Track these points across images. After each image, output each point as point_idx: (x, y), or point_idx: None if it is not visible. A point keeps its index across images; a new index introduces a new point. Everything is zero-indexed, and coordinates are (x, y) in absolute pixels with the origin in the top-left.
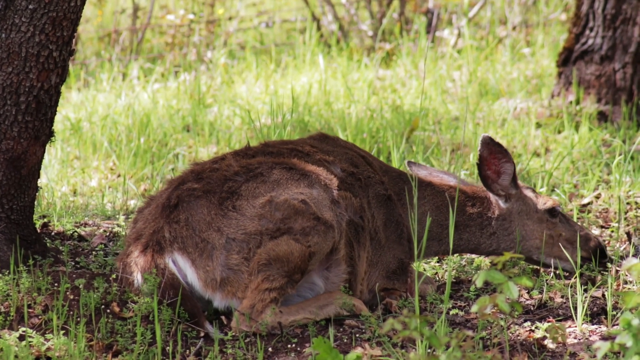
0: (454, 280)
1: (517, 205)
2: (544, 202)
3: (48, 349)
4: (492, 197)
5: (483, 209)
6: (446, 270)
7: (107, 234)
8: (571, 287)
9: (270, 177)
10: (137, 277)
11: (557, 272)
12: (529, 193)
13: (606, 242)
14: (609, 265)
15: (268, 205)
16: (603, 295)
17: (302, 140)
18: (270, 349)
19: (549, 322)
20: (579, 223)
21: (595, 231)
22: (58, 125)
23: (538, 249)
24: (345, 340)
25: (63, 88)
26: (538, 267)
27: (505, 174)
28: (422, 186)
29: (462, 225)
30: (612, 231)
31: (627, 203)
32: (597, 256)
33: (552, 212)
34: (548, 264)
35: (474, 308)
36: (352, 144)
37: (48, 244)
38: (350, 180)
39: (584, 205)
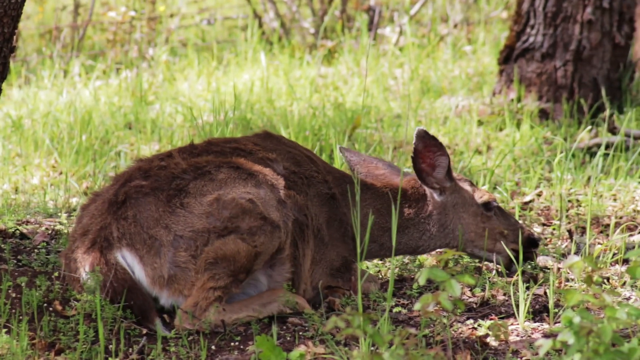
0: (397, 278)
1: (452, 198)
2: (480, 196)
3: None
4: (427, 191)
5: (418, 208)
6: (389, 268)
7: (49, 231)
8: (513, 284)
9: (218, 175)
10: (84, 274)
11: (498, 268)
12: (466, 186)
13: (548, 239)
14: (534, 256)
15: (216, 204)
16: (545, 293)
17: (246, 138)
18: (213, 347)
19: (491, 319)
20: (515, 217)
21: (537, 229)
22: None
23: (472, 242)
24: (288, 338)
25: (4, 85)
26: (478, 261)
27: (440, 167)
28: (364, 188)
29: (400, 228)
30: (554, 229)
31: (569, 201)
32: (528, 246)
33: (488, 205)
34: (481, 257)
35: (417, 306)
36: (295, 143)
37: None
38: (293, 179)
39: (526, 203)
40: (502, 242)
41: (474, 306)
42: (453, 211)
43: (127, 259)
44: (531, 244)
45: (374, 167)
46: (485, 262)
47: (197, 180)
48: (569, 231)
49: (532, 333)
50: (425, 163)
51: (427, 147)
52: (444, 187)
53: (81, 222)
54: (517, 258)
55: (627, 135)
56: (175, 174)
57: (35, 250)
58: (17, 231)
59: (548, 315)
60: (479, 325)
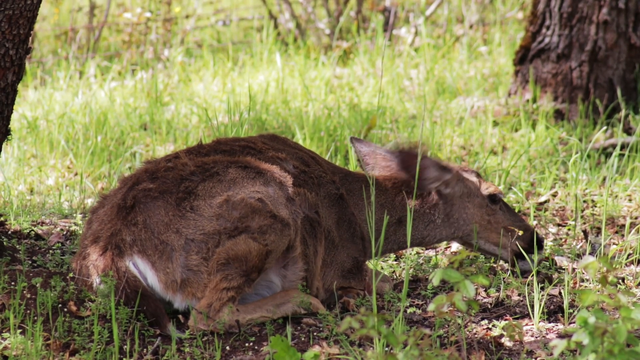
0: (411, 279)
1: (458, 188)
2: (486, 187)
3: (5, 348)
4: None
5: (423, 199)
6: (403, 269)
7: (64, 232)
8: (528, 285)
9: (226, 176)
10: (96, 280)
11: (505, 265)
12: (472, 177)
13: (563, 240)
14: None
15: (225, 205)
16: (560, 293)
17: (254, 137)
18: (227, 348)
19: (506, 320)
20: (520, 216)
21: (552, 229)
22: (15, 123)
23: (477, 233)
24: (302, 339)
25: (20, 86)
26: (492, 260)
27: (427, 168)
28: (368, 185)
29: (406, 222)
30: (569, 229)
31: (584, 201)
32: (534, 246)
33: (493, 198)
34: (486, 251)
35: (431, 306)
36: (299, 145)
37: (5, 243)
38: (304, 178)
39: (541, 204)
40: (507, 237)
41: (489, 307)
42: (459, 201)
43: (139, 266)
44: (537, 244)
45: (381, 159)
46: (498, 262)
47: (206, 181)
48: (584, 231)
49: (547, 333)
50: (412, 175)
51: (405, 162)
52: (445, 181)
53: (91, 228)
54: (521, 256)
55: None
56: (183, 176)
57: (50, 251)
58: (32, 232)
59: (563, 316)
60: (493, 325)
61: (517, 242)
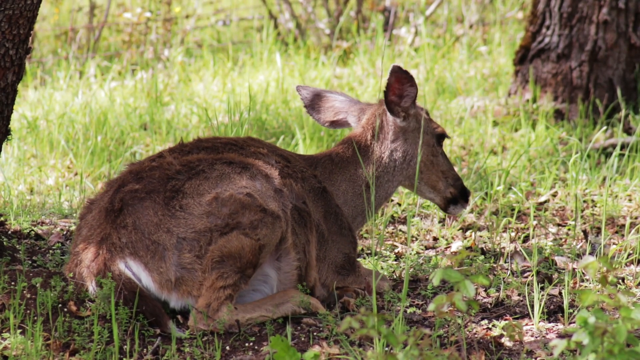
0: (411, 279)
1: (413, 123)
2: (435, 127)
3: (5, 348)
4: (389, 120)
5: (383, 143)
6: (403, 269)
7: (64, 232)
8: (528, 285)
9: (213, 173)
10: (92, 285)
11: (444, 211)
12: (422, 112)
13: (563, 240)
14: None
15: (215, 202)
16: (560, 293)
17: (233, 137)
18: (227, 348)
19: (506, 320)
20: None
21: (552, 229)
22: (15, 123)
23: (421, 172)
24: (302, 339)
25: (20, 86)
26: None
27: (408, 97)
28: (335, 162)
29: (374, 184)
30: (569, 229)
31: (584, 201)
32: (462, 195)
33: (440, 138)
34: (422, 192)
35: (431, 306)
36: (276, 145)
37: (5, 243)
38: (287, 171)
39: (541, 204)
40: (443, 182)
41: (489, 306)
42: (412, 136)
43: (133, 267)
44: (464, 195)
45: (324, 100)
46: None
47: (192, 179)
48: (584, 231)
49: (547, 333)
50: (395, 95)
51: (398, 80)
52: (408, 113)
53: (81, 234)
54: (452, 202)
55: None
56: (169, 175)
57: (50, 251)
58: (32, 232)
59: (563, 316)
60: (493, 325)
61: (449, 190)
